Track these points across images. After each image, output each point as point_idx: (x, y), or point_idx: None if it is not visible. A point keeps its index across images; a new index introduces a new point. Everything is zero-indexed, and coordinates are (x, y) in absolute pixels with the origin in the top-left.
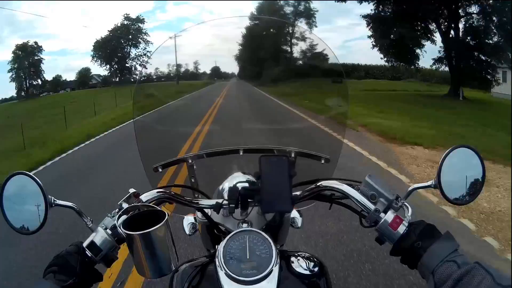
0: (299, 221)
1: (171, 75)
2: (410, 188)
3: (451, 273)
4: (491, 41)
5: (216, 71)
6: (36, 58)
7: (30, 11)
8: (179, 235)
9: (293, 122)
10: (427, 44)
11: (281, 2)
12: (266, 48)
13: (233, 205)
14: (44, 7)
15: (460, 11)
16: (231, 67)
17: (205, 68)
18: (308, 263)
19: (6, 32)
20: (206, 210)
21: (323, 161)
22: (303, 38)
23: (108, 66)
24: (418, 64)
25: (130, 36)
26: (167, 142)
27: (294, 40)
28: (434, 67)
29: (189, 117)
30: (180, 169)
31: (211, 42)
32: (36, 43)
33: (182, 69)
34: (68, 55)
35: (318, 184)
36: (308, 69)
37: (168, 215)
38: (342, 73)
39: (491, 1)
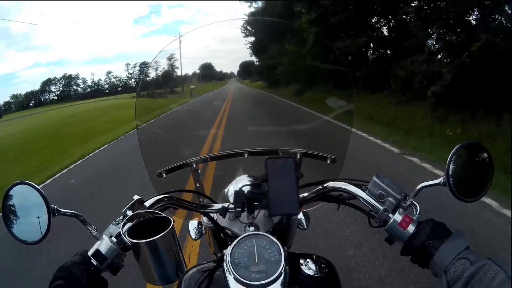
0: (305, 222)
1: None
2: (418, 187)
3: (464, 270)
4: None
5: (207, 70)
6: None
7: (23, 22)
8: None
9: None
10: None
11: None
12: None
13: (240, 209)
14: (37, 16)
15: None
16: (230, 67)
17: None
18: (317, 264)
19: (3, 46)
20: (212, 214)
21: (329, 161)
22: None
23: None
24: None
25: None
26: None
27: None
28: None
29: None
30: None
31: (209, 43)
32: None
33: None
34: (66, 64)
35: (325, 185)
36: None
37: (173, 221)
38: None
39: None
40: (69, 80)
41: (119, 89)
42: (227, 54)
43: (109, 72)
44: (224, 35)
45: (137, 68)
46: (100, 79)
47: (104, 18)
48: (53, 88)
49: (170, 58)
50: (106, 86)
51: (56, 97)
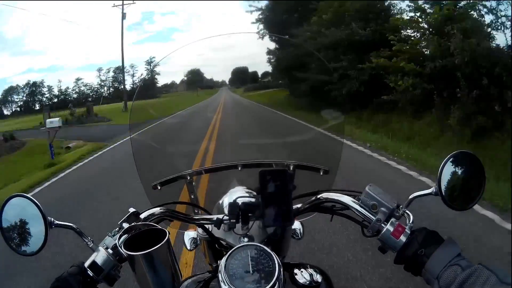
0: (300, 232)
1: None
2: (411, 197)
3: (456, 276)
4: None
5: (195, 78)
6: None
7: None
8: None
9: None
10: None
11: None
12: None
13: (234, 221)
14: (31, 19)
15: None
16: (221, 75)
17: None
18: (312, 274)
19: None
20: (207, 225)
21: (321, 173)
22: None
23: None
24: None
25: None
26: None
27: None
28: None
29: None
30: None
31: (203, 52)
32: None
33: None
34: (58, 70)
35: (318, 196)
36: None
37: (168, 233)
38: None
39: None
40: (33, 88)
41: (90, 99)
42: (219, 62)
43: (78, 79)
44: (217, 44)
45: (111, 74)
46: (68, 87)
47: (98, 24)
48: (15, 97)
49: (149, 63)
50: (75, 95)
51: (18, 108)
